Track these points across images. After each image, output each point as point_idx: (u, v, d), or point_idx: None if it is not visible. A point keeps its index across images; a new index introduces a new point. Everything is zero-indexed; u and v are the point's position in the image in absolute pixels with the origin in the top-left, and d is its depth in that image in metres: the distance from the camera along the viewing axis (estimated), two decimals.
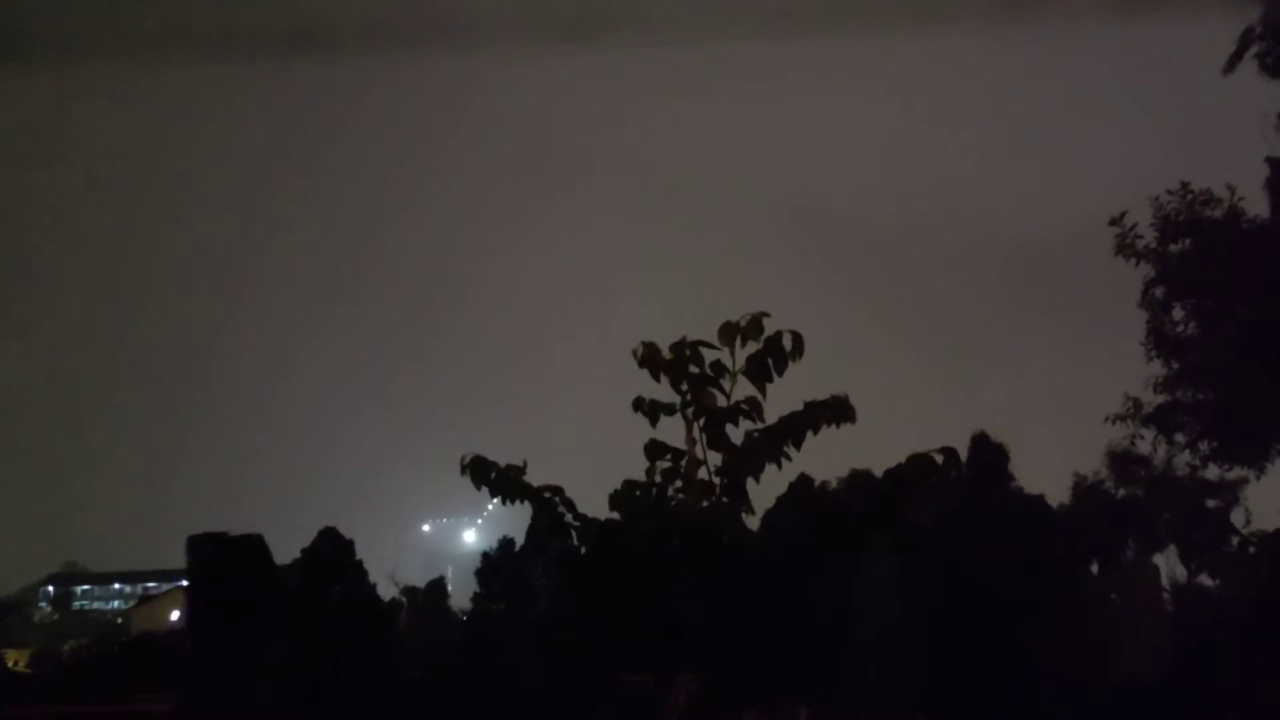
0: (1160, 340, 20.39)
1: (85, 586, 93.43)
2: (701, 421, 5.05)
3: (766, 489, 5.45)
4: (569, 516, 5.20)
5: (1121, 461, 31.97)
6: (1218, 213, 19.44)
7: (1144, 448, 25.15)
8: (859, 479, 5.11)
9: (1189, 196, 19.27)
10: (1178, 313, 20.29)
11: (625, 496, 5.24)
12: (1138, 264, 20.14)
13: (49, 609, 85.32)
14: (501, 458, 5.44)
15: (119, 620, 73.75)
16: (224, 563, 8.77)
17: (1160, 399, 19.93)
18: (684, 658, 5.32)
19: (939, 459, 4.96)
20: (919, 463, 4.95)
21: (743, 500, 5.09)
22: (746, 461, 5.07)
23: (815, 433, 5.04)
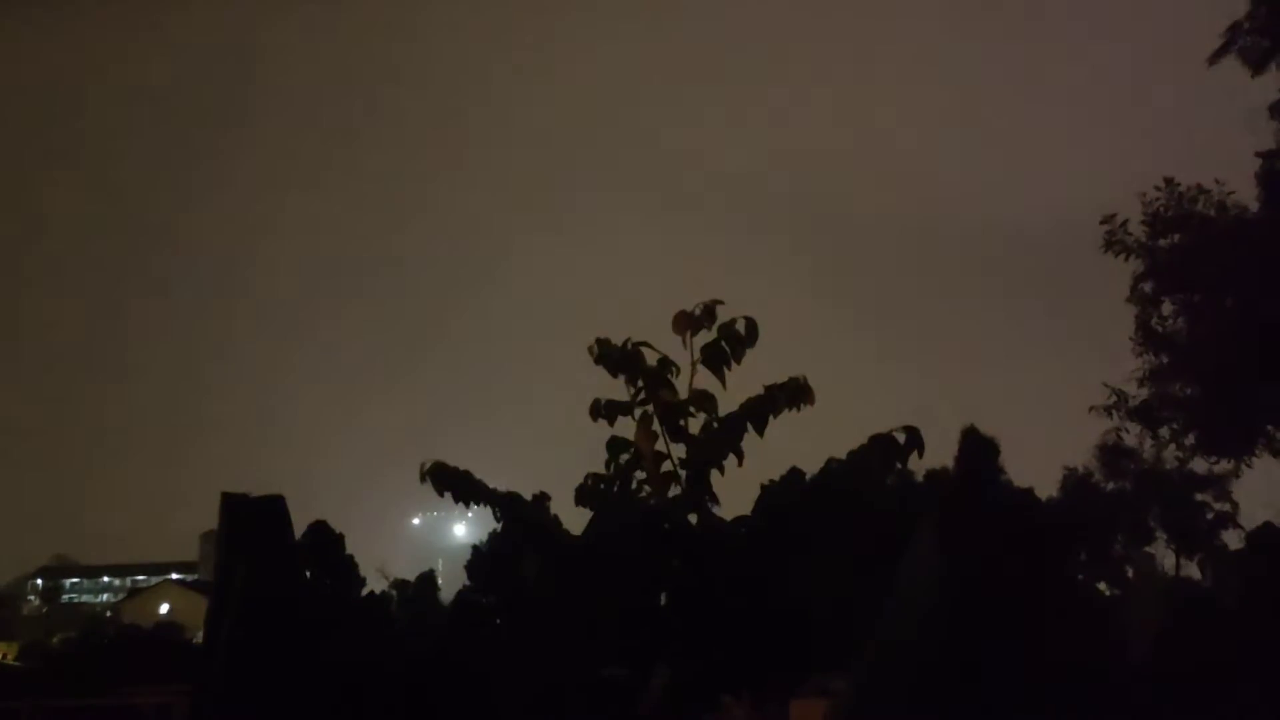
0: (1148, 334, 20.43)
1: (74, 580, 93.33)
2: (657, 417, 5.06)
3: (744, 476, 5.46)
4: (528, 519, 5.21)
5: (1111, 455, 32.14)
6: (1207, 208, 19.51)
7: (1131, 441, 25.27)
8: (833, 466, 5.12)
9: (1177, 192, 19.33)
10: (1166, 307, 20.35)
11: (590, 491, 5.24)
12: (1127, 259, 20.20)
13: (38, 602, 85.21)
14: (480, 454, 5.48)
15: (108, 613, 73.67)
16: (253, 522, 8.89)
17: (1145, 393, 20.01)
18: (658, 650, 5.32)
19: (900, 438, 4.96)
20: (881, 442, 4.95)
21: (706, 490, 5.10)
22: (707, 452, 5.07)
23: (775, 416, 5.04)
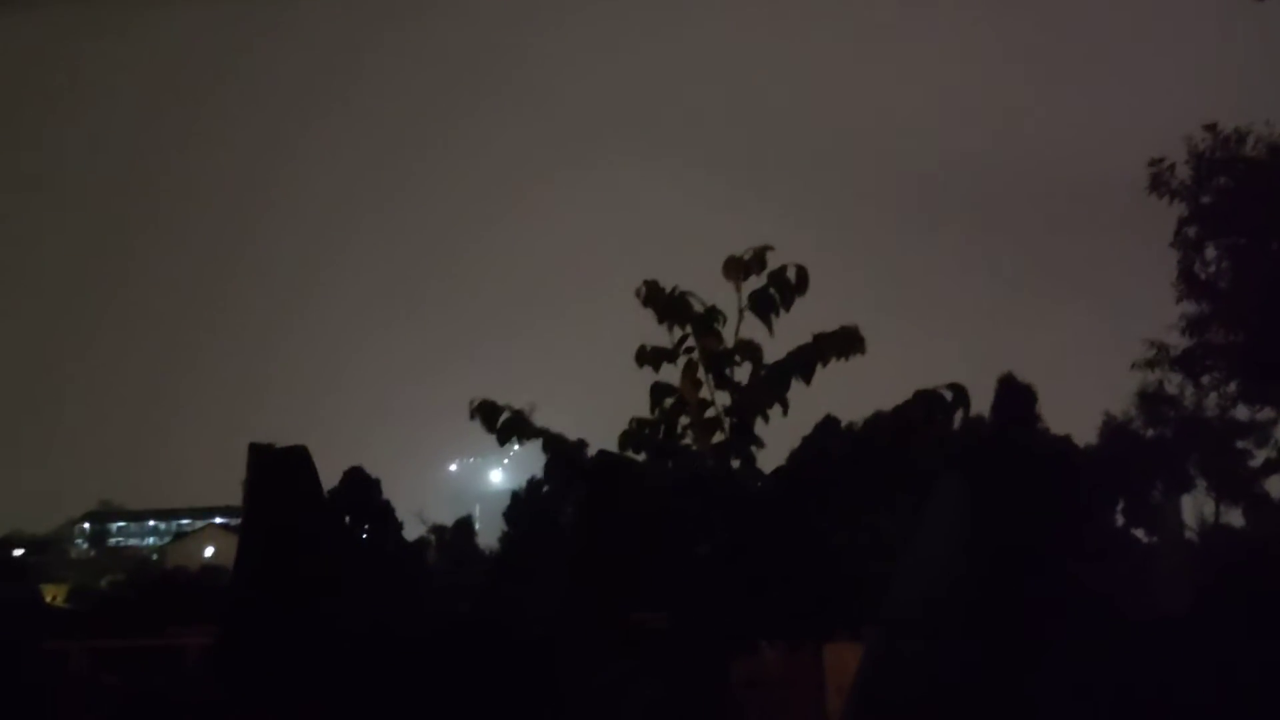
0: (1191, 281, 20.17)
1: (120, 524, 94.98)
2: (703, 365, 5.02)
3: (787, 425, 5.42)
4: (578, 456, 5.20)
5: (1151, 402, 31.79)
6: (1256, 150, 19.11)
7: (1172, 389, 25.01)
8: (879, 419, 5.08)
9: (1223, 135, 18.95)
10: (1210, 252, 20.05)
11: (635, 435, 5.22)
12: (1171, 201, 19.90)
13: (85, 546, 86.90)
14: (517, 399, 5.44)
15: (154, 556, 74.97)
16: (278, 472, 8.88)
17: (1187, 342, 19.78)
18: (697, 598, 5.34)
19: (947, 396, 4.91)
20: (927, 399, 4.90)
21: (751, 439, 5.07)
22: (752, 401, 5.03)
23: (824, 365, 4.98)
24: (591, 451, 5.43)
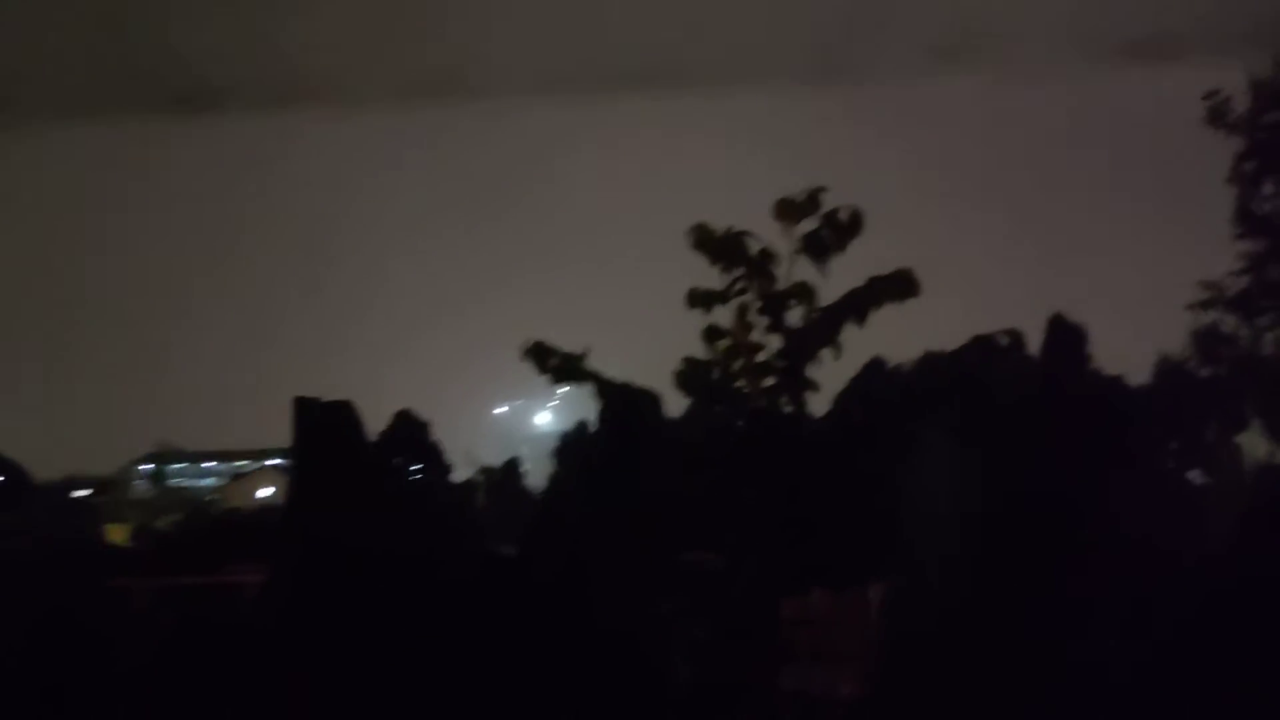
0: (1248, 218, 19.75)
1: (179, 465, 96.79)
2: (758, 306, 5.01)
3: (842, 370, 5.41)
4: (628, 403, 5.23)
5: (1206, 340, 31.25)
6: None
7: (1228, 330, 24.55)
8: (930, 361, 5.04)
9: None
10: (1268, 188, 19.60)
11: (689, 375, 5.23)
12: (1228, 135, 19.45)
13: (145, 487, 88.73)
14: (566, 342, 5.47)
15: (212, 497, 76.39)
16: (325, 425, 9.13)
17: (1243, 282, 19.40)
18: (749, 540, 5.39)
19: (1004, 341, 4.87)
20: (984, 344, 4.86)
21: (803, 382, 5.06)
22: (805, 344, 5.01)
23: (878, 309, 4.95)
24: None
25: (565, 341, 5.34)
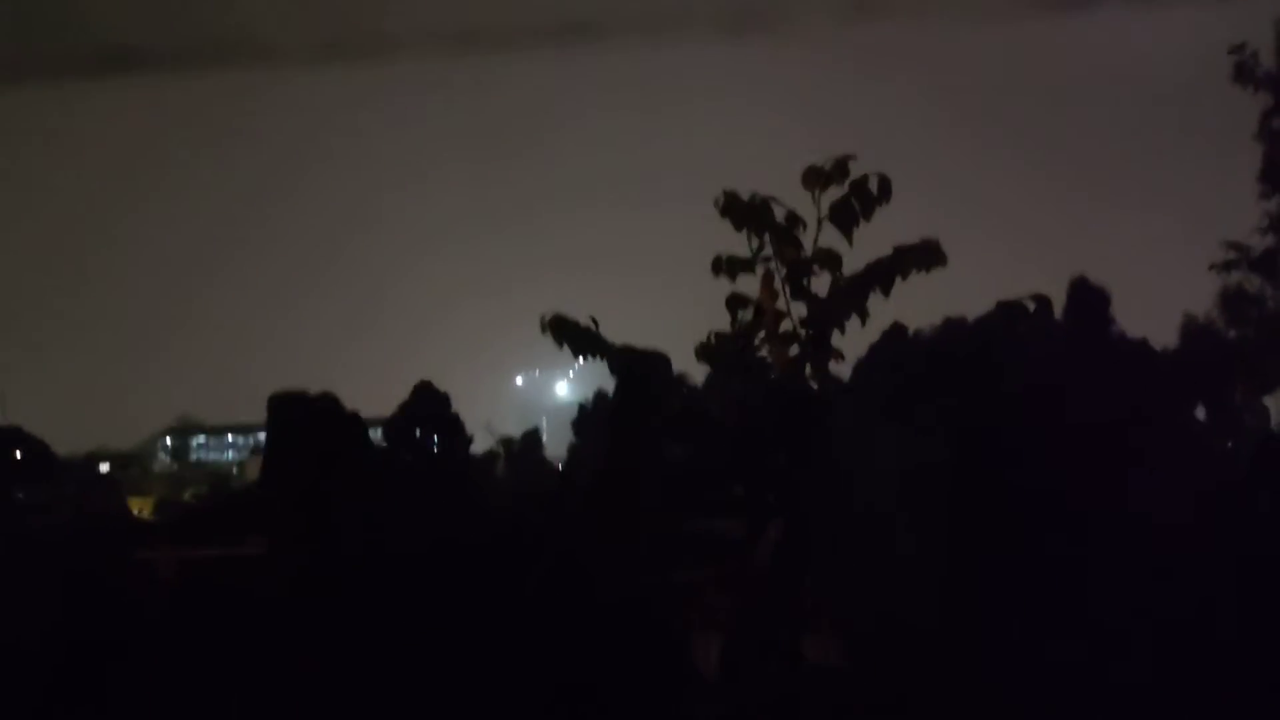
0: (1275, 176, 19.48)
1: (201, 439, 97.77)
2: (783, 274, 4.95)
3: (862, 339, 5.35)
4: (649, 373, 5.19)
5: (1233, 301, 31.04)
6: None
7: (1253, 290, 24.30)
8: (952, 327, 4.98)
9: None
10: None
11: (712, 348, 5.19)
12: (1255, 91, 19.15)
13: (169, 460, 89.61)
14: (583, 309, 5.44)
15: (235, 470, 77.11)
16: (304, 421, 8.86)
17: (1268, 242, 19.19)
18: (772, 507, 5.35)
19: (1031, 306, 4.80)
20: (1010, 310, 4.80)
21: (828, 350, 5.02)
22: (830, 312, 4.96)
23: (904, 278, 4.90)
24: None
25: (585, 314, 5.30)
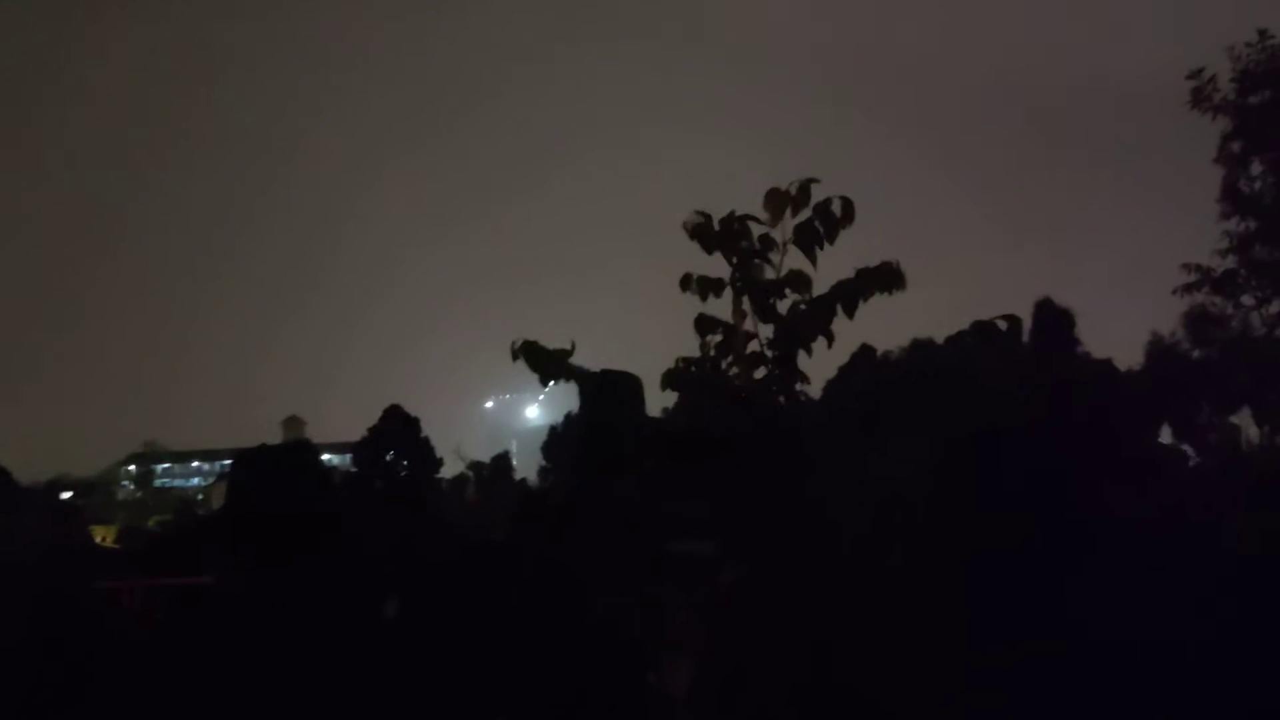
0: (1236, 197, 19.76)
1: (165, 465, 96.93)
2: (752, 295, 4.96)
3: (831, 361, 5.38)
4: (616, 396, 5.16)
5: (1198, 322, 31.44)
6: None
7: (1216, 311, 24.59)
8: (920, 348, 5.00)
9: (1270, 45, 18.41)
10: (1255, 168, 19.60)
11: (679, 374, 5.18)
12: (1214, 117, 19.45)
13: (132, 487, 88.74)
14: (550, 335, 5.43)
15: (199, 496, 76.46)
16: (270, 472, 8.72)
17: (1229, 263, 19.47)
18: (742, 529, 5.32)
19: (1002, 326, 4.84)
20: (982, 330, 4.84)
21: (795, 372, 5.03)
22: (796, 333, 4.98)
23: (865, 300, 4.93)
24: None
25: (556, 339, 5.29)
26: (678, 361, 5.29)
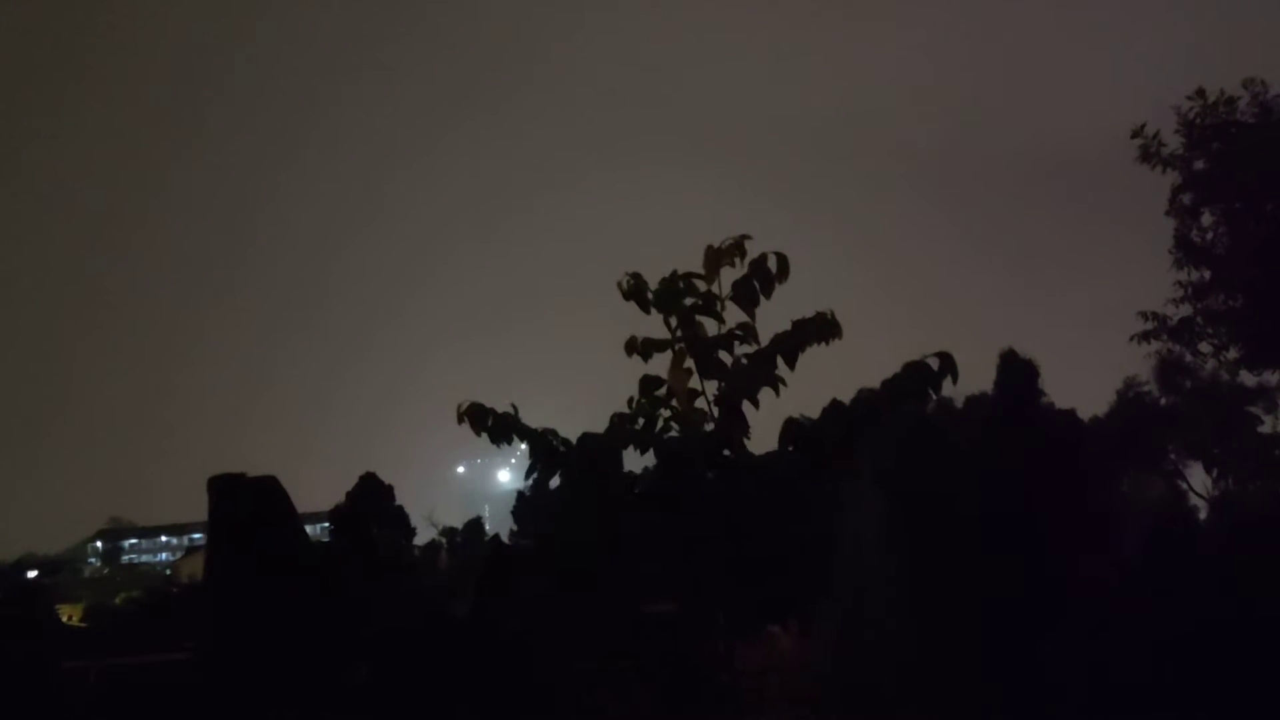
0: (1188, 247, 20.09)
1: (133, 540, 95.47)
2: (691, 353, 5.04)
3: (789, 412, 5.45)
4: (563, 450, 5.21)
5: (1165, 370, 31.72)
6: (1247, 112, 19.04)
7: (1172, 359, 24.96)
8: (864, 397, 5.09)
9: (1210, 101, 18.87)
10: (1206, 219, 19.96)
11: (618, 431, 5.21)
12: (1164, 171, 19.81)
13: (99, 564, 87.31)
14: (520, 398, 5.48)
15: (167, 571, 75.31)
16: (244, 504, 8.72)
17: (1184, 311, 19.71)
18: (704, 584, 5.35)
19: (934, 364, 4.92)
20: (915, 369, 4.92)
21: (742, 424, 5.09)
22: (741, 385, 5.05)
23: (803, 351, 5.03)
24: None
25: (522, 398, 5.33)
26: (613, 418, 5.32)
